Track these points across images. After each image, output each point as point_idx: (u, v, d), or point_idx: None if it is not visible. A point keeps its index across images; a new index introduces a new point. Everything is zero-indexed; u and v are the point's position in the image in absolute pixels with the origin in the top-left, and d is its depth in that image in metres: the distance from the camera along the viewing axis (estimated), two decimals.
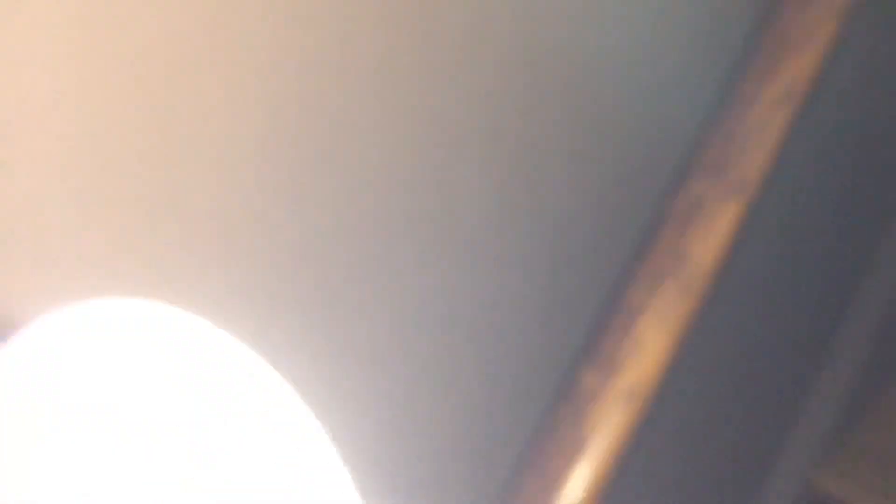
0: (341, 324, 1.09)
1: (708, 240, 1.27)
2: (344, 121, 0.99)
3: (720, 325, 1.54)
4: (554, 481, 1.29)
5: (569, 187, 1.27)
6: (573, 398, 1.31)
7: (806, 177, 1.62)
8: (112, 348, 0.37)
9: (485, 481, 1.35)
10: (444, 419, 1.26)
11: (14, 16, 0.71)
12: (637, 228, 1.36)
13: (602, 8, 1.21)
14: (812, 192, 1.67)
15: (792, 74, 1.35)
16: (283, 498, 0.36)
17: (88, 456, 0.32)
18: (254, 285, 0.97)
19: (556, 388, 1.37)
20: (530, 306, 1.30)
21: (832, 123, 1.63)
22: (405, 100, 1.04)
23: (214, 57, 0.85)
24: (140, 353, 0.37)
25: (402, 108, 1.04)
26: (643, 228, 1.37)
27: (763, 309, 1.66)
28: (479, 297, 1.23)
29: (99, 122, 0.79)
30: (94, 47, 0.77)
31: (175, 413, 0.35)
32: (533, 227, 1.25)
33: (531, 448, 1.33)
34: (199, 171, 0.89)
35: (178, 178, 0.87)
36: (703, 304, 1.27)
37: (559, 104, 1.21)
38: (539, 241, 1.27)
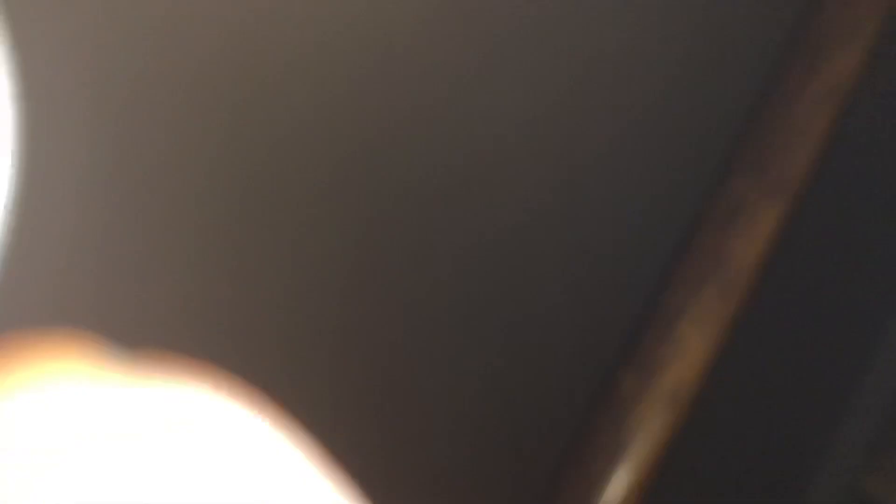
0: (385, 328, 1.08)
1: (749, 240, 1.26)
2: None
3: (762, 326, 1.52)
4: (595, 484, 1.28)
5: (608, 186, 1.26)
6: (614, 400, 1.30)
7: (851, 176, 1.59)
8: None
9: (525, 484, 1.34)
10: (486, 421, 1.25)
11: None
12: (677, 229, 1.35)
13: (641, 5, 1.19)
14: (858, 192, 1.64)
15: (836, 71, 1.33)
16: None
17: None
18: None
19: (597, 391, 1.36)
20: (570, 307, 1.29)
21: (879, 121, 1.60)
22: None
23: None
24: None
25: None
26: (684, 229, 1.35)
27: (807, 310, 1.64)
28: (520, 298, 1.22)
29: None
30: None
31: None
32: (572, 225, 1.24)
33: (572, 450, 1.31)
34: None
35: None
36: (745, 305, 1.25)
37: (599, 101, 1.20)
38: (578, 240, 1.26)
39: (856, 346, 1.88)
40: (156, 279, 0.88)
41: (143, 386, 0.33)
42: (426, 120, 1.02)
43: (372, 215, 1.01)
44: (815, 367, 1.76)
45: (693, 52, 1.28)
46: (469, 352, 1.20)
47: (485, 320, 1.19)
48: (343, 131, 0.96)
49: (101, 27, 0.75)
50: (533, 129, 1.14)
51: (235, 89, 0.87)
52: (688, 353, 1.25)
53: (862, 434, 1.98)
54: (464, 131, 1.07)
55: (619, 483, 1.27)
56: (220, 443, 0.32)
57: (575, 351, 1.32)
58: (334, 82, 0.94)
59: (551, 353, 1.29)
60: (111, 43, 0.77)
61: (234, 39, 0.85)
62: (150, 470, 0.31)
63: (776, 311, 1.55)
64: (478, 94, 1.07)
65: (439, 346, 1.16)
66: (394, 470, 1.16)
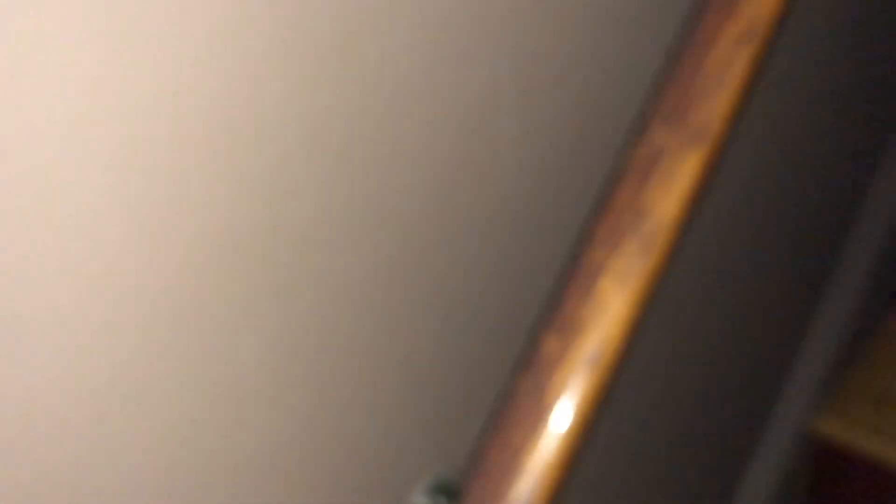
0: (305, 300, 1.03)
1: (669, 193, 1.22)
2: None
3: (687, 281, 1.49)
4: (517, 451, 1.25)
5: (523, 143, 1.22)
6: (534, 364, 1.26)
7: (772, 122, 1.57)
8: None
9: (448, 452, 1.31)
10: (405, 390, 1.22)
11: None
12: (595, 184, 1.32)
13: None
14: (781, 137, 1.61)
15: (753, 13, 1.30)
16: None
17: None
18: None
19: (518, 355, 1.33)
20: (488, 270, 1.26)
21: (798, 64, 1.57)
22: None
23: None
24: None
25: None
26: (601, 183, 1.32)
27: (738, 262, 1.61)
28: (435, 262, 1.19)
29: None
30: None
31: None
32: (488, 185, 1.21)
33: (494, 418, 1.29)
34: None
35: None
36: (667, 260, 1.22)
37: (513, 53, 1.16)
38: (494, 200, 1.22)
39: (801, 290, 1.87)
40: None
41: None
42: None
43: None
44: (757, 315, 1.74)
45: None
46: (384, 319, 1.16)
47: (401, 284, 1.16)
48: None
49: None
50: (438, 76, 1.10)
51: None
52: (609, 312, 1.22)
53: (812, 375, 1.99)
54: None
55: (542, 449, 1.24)
56: None
57: (494, 313, 1.29)
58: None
59: (471, 315, 1.26)
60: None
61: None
62: None
63: (701, 264, 1.52)
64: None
65: (355, 312, 1.12)
66: (317, 441, 1.13)
